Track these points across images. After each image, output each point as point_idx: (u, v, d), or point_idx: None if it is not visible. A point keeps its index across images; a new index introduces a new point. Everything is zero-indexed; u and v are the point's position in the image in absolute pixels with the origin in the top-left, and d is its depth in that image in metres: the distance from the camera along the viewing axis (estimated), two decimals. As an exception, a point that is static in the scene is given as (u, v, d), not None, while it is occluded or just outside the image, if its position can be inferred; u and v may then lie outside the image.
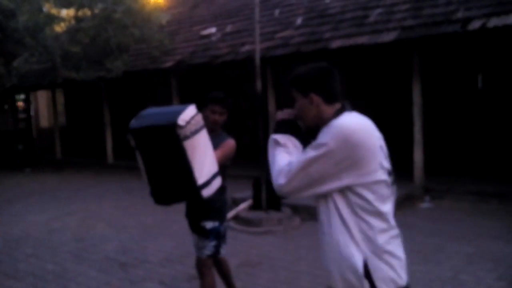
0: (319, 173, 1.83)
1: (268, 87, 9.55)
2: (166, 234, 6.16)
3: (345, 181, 1.82)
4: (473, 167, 8.61)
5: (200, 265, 3.33)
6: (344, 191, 1.85)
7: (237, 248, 5.30)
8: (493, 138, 8.92)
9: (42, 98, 20.79)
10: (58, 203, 8.44)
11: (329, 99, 1.96)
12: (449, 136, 9.35)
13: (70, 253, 5.57)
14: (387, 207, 1.90)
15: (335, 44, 8.23)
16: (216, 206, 3.25)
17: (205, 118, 2.91)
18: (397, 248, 1.91)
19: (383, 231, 1.87)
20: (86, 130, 16.08)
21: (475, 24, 6.98)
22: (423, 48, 7.93)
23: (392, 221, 1.93)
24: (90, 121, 15.72)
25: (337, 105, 1.97)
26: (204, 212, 3.27)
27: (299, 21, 9.78)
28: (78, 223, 6.96)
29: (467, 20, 7.16)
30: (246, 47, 9.57)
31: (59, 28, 12.54)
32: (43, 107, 21.03)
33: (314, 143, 1.87)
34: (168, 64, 10.75)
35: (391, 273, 1.84)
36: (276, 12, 10.71)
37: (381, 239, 1.85)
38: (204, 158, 2.41)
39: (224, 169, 3.10)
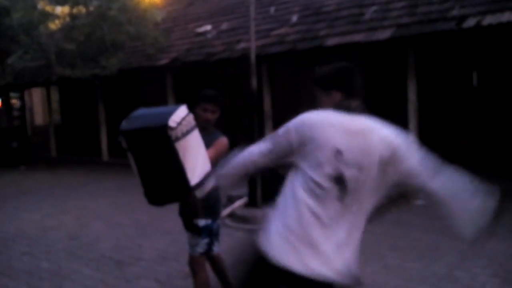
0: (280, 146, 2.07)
1: (264, 84, 9.55)
2: (161, 231, 6.14)
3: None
4: (468, 164, 8.63)
5: (193, 262, 3.33)
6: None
7: (232, 246, 5.30)
8: (488, 135, 8.95)
9: (36, 95, 20.69)
10: (53, 201, 8.41)
11: (350, 94, 2.07)
12: (444, 134, 9.38)
13: (65, 251, 5.55)
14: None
15: (331, 41, 8.23)
16: (209, 204, 3.24)
17: (197, 116, 2.90)
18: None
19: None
20: (81, 127, 16.02)
21: (470, 22, 7.00)
22: (419, 45, 7.95)
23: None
24: (85, 118, 15.66)
25: (355, 99, 2.07)
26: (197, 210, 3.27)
27: (294, 18, 9.78)
28: (73, 221, 6.94)
29: (462, 18, 7.18)
30: (242, 45, 9.56)
31: (54, 25, 12.45)
32: (37, 104, 20.93)
33: None
34: (163, 61, 10.72)
35: None
36: (272, 9, 10.70)
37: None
38: (196, 159, 2.40)
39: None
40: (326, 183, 1.92)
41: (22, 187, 10.06)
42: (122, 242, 5.78)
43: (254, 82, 6.65)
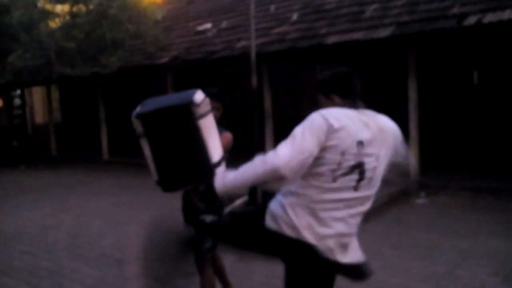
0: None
1: (264, 83, 9.54)
2: (162, 230, 6.13)
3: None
4: (469, 163, 8.63)
5: (200, 258, 3.35)
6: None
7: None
8: (489, 133, 8.94)
9: (37, 94, 20.68)
10: (53, 199, 8.41)
11: (348, 97, 2.20)
12: (444, 132, 9.37)
13: (65, 250, 5.55)
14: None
15: (331, 39, 8.21)
16: (215, 200, 3.24)
17: None
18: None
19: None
20: (82, 126, 16.02)
21: (471, 20, 6.98)
22: (419, 43, 7.94)
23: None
24: (86, 117, 15.66)
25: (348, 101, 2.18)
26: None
27: (294, 16, 9.76)
28: (73, 219, 6.94)
29: (463, 16, 7.16)
30: (242, 43, 9.54)
31: (54, 23, 12.44)
32: (38, 103, 20.92)
33: None
34: (164, 60, 10.71)
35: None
36: (272, 7, 10.68)
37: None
38: (214, 140, 2.47)
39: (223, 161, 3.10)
40: (346, 171, 2.04)
41: (22, 186, 10.06)
42: (123, 241, 5.78)
43: (254, 80, 6.64)
